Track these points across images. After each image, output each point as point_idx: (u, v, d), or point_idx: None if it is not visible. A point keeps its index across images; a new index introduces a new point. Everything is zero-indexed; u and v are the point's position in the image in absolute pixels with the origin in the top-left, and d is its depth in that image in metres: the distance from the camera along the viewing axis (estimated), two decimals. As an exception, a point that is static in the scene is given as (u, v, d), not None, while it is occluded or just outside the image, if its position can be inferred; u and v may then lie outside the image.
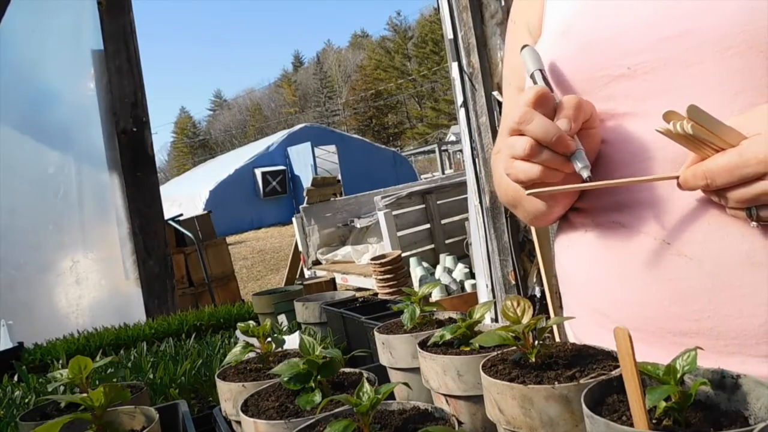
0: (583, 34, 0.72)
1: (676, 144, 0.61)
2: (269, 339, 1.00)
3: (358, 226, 8.18)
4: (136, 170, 3.23)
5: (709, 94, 0.63)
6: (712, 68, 0.63)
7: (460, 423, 0.68)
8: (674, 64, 0.65)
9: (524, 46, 0.77)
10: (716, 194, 0.61)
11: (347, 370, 0.87)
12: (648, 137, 0.67)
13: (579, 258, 0.80)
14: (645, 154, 0.68)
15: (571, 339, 0.87)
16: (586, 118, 0.67)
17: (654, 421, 0.48)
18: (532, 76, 0.73)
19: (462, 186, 5.41)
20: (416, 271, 5.29)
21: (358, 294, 1.65)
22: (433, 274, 5.26)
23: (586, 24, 0.72)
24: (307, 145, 19.11)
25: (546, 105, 0.67)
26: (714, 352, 0.64)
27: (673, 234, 0.66)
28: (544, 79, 0.72)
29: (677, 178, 0.62)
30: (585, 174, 0.65)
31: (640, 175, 0.68)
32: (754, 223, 0.60)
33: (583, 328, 0.82)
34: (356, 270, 7.09)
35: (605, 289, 0.75)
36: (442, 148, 24.58)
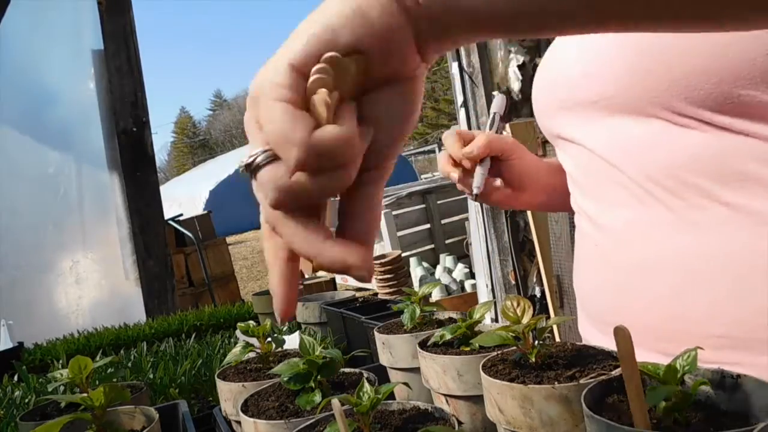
0: (538, 71, 0.85)
1: (618, 166, 0.68)
2: (269, 339, 1.00)
3: (358, 226, 8.14)
4: (136, 170, 3.23)
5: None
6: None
7: (460, 423, 0.68)
8: (589, 98, 0.72)
9: (498, 93, 0.87)
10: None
11: (347, 370, 0.87)
12: (589, 161, 0.74)
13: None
14: (590, 177, 0.75)
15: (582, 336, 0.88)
16: (496, 152, 0.86)
17: (654, 421, 0.48)
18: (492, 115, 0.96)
19: (462, 186, 5.38)
20: (416, 271, 5.28)
21: (358, 294, 1.65)
22: (433, 274, 5.25)
23: (542, 62, 0.84)
24: (307, 145, 19.02)
25: (466, 141, 0.89)
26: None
27: (602, 236, 0.74)
28: (493, 121, 0.93)
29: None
30: (474, 191, 0.85)
31: (589, 194, 0.76)
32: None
33: (580, 326, 0.84)
34: (356, 270, 7.06)
35: (580, 288, 0.81)
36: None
